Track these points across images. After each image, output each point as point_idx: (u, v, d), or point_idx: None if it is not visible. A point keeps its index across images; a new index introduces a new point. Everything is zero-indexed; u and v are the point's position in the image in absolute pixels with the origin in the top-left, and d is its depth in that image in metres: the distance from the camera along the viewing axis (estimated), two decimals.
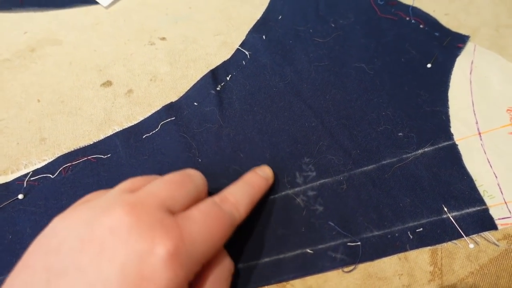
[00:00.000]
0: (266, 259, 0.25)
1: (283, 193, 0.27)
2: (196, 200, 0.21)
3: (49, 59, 0.34)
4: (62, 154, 0.29)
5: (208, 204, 0.20)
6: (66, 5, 0.37)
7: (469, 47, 0.33)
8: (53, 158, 0.29)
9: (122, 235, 0.17)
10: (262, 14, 0.36)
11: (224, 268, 0.21)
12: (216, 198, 0.22)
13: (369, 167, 0.28)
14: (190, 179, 0.21)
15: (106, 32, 0.36)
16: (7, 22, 0.36)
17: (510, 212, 0.26)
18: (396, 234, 0.26)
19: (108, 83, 0.33)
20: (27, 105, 0.31)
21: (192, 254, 0.18)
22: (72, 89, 0.32)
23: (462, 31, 0.34)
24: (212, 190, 0.27)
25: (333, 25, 0.35)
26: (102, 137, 0.30)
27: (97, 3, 0.38)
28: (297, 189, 0.27)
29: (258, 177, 0.25)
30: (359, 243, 0.25)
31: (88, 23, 0.36)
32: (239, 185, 0.24)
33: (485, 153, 0.28)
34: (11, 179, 0.28)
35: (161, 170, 0.28)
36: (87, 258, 0.17)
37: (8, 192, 0.27)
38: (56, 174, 0.28)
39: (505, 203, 0.26)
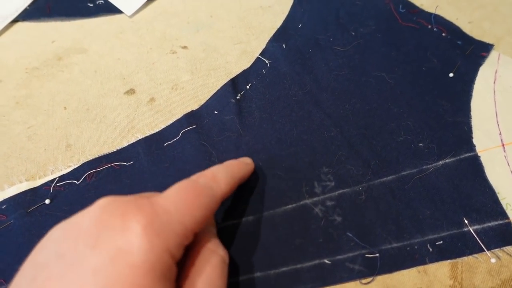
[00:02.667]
0: (284, 269, 0.25)
1: (301, 202, 0.27)
2: None
3: (75, 68, 0.35)
4: (87, 160, 0.30)
5: (183, 181, 0.21)
6: (92, 15, 0.38)
7: (493, 56, 0.33)
8: (78, 165, 0.30)
9: (96, 216, 0.18)
10: (282, 23, 0.37)
11: (217, 257, 0.21)
12: (193, 176, 0.23)
13: (388, 177, 0.28)
14: None
15: (129, 41, 0.37)
16: (36, 31, 0.38)
17: None
18: (416, 247, 0.25)
19: (131, 91, 0.33)
20: (54, 112, 0.33)
21: (168, 224, 0.18)
22: (97, 97, 0.33)
23: (486, 39, 0.34)
24: (231, 198, 0.28)
25: (353, 34, 0.35)
26: (125, 144, 0.31)
27: (121, 12, 0.39)
28: (315, 198, 0.28)
29: (236, 161, 0.27)
30: (377, 254, 0.25)
31: (112, 32, 0.37)
32: (216, 166, 0.24)
33: (509, 165, 0.28)
34: (39, 184, 0.29)
35: (181, 177, 0.28)
36: (66, 244, 0.17)
37: (36, 197, 0.29)
38: (81, 180, 0.29)
39: None
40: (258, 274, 0.25)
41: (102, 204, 0.18)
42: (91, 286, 0.15)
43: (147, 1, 0.39)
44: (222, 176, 0.23)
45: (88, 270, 0.16)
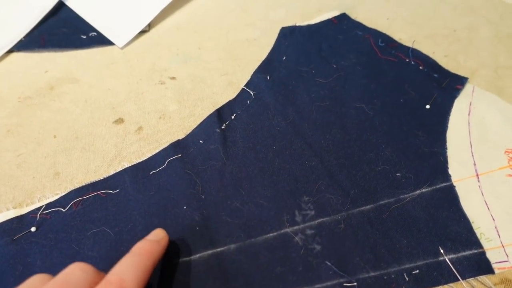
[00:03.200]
0: None
1: (282, 231, 0.28)
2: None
3: (67, 97, 0.36)
4: (74, 188, 0.30)
5: None
6: (85, 46, 0.40)
7: (467, 88, 0.34)
8: (65, 192, 0.30)
9: None
10: (267, 55, 0.38)
11: None
12: (101, 283, 0.22)
13: (367, 207, 0.29)
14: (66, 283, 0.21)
15: (120, 71, 0.38)
16: (31, 61, 0.39)
17: (507, 256, 0.26)
18: (392, 276, 0.26)
19: (120, 121, 0.35)
20: (44, 140, 0.34)
21: None
22: (86, 126, 0.34)
23: (461, 72, 0.35)
24: (213, 226, 0.28)
25: (334, 66, 0.37)
26: (112, 172, 0.31)
27: (113, 44, 0.40)
28: (295, 227, 0.28)
29: (147, 243, 0.25)
30: (355, 283, 0.26)
31: (104, 63, 0.39)
32: (125, 259, 0.23)
33: (483, 195, 0.29)
34: (26, 212, 0.29)
35: (166, 206, 0.29)
36: None
37: (22, 224, 0.29)
38: (67, 208, 0.30)
39: (503, 246, 0.27)
40: None
41: None
42: None
43: (138, 34, 0.41)
44: (131, 276, 0.22)
45: None
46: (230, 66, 0.38)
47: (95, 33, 0.41)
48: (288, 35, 0.40)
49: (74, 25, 0.41)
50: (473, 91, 0.34)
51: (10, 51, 0.40)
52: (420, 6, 0.41)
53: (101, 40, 0.40)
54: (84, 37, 0.41)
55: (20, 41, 0.40)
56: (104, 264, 0.27)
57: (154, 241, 0.26)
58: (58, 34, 0.41)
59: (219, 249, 0.28)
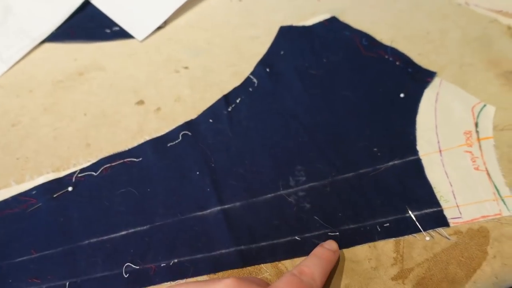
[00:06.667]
0: (263, 243, 0.31)
1: (279, 193, 0.34)
2: None
3: (94, 82, 0.42)
4: (103, 157, 0.36)
5: (288, 277, 0.25)
6: (109, 38, 0.46)
7: (436, 81, 0.41)
8: (96, 160, 0.36)
9: None
10: (267, 50, 0.44)
11: None
12: (294, 270, 0.26)
13: (349, 174, 0.35)
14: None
15: (140, 61, 0.44)
16: (61, 51, 0.45)
17: (460, 214, 0.32)
18: (368, 228, 0.32)
19: (141, 102, 0.40)
20: (76, 117, 0.39)
21: None
22: (112, 106, 0.40)
23: (432, 68, 0.42)
24: (222, 188, 0.34)
25: (325, 60, 0.43)
26: (135, 144, 0.37)
27: (133, 37, 0.46)
28: (290, 190, 0.34)
29: (327, 251, 0.29)
30: (337, 233, 0.32)
31: (126, 53, 0.45)
32: (311, 259, 0.28)
33: (444, 166, 0.35)
34: (63, 175, 0.35)
35: (181, 171, 0.35)
36: None
37: (60, 185, 0.35)
38: (98, 172, 0.35)
39: (457, 206, 0.33)
40: (242, 247, 0.31)
41: (230, 285, 0.23)
42: None
43: (155, 29, 0.47)
44: (318, 274, 0.26)
45: None
46: (236, 59, 0.44)
47: (118, 28, 0.47)
48: (286, 33, 0.46)
49: (99, 21, 0.47)
50: (440, 83, 0.40)
51: (43, 41, 0.46)
52: (400, 11, 0.47)
53: (123, 34, 0.46)
54: (108, 31, 0.46)
55: (52, 33, 0.46)
56: (130, 217, 0.32)
57: (331, 250, 0.29)
58: (85, 28, 0.47)
59: (226, 206, 0.33)
